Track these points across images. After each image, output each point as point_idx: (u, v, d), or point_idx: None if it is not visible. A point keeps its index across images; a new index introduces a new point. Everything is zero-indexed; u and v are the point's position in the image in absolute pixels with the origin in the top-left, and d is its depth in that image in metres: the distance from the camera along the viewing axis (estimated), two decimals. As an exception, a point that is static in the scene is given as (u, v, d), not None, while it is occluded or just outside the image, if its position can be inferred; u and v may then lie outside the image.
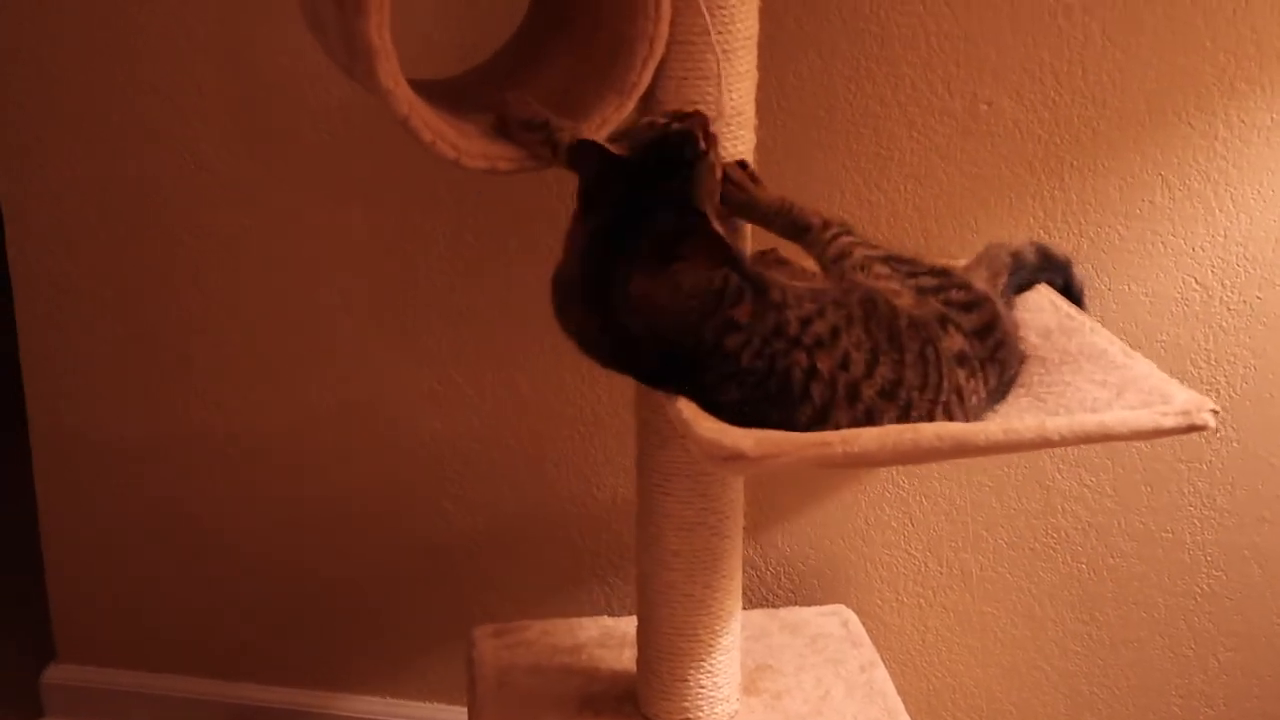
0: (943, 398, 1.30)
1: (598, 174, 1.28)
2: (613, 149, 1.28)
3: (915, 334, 1.31)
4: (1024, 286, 1.58)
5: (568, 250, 1.34)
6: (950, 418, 1.30)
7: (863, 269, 1.38)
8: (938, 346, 1.32)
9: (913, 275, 1.40)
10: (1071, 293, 1.62)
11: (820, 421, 1.25)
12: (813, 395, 1.25)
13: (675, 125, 1.30)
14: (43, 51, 1.84)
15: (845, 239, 1.41)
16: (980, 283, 1.47)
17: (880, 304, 1.32)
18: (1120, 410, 1.27)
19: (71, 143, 1.89)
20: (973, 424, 1.27)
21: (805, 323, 1.26)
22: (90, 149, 1.88)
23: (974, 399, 1.33)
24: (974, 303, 1.40)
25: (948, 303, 1.38)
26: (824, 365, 1.25)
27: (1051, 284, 1.61)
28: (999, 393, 1.38)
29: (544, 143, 1.38)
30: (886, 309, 1.32)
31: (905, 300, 1.35)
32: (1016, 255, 1.58)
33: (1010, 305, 1.51)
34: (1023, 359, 1.43)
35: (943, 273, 1.43)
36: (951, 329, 1.35)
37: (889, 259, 1.41)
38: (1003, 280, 1.53)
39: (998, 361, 1.38)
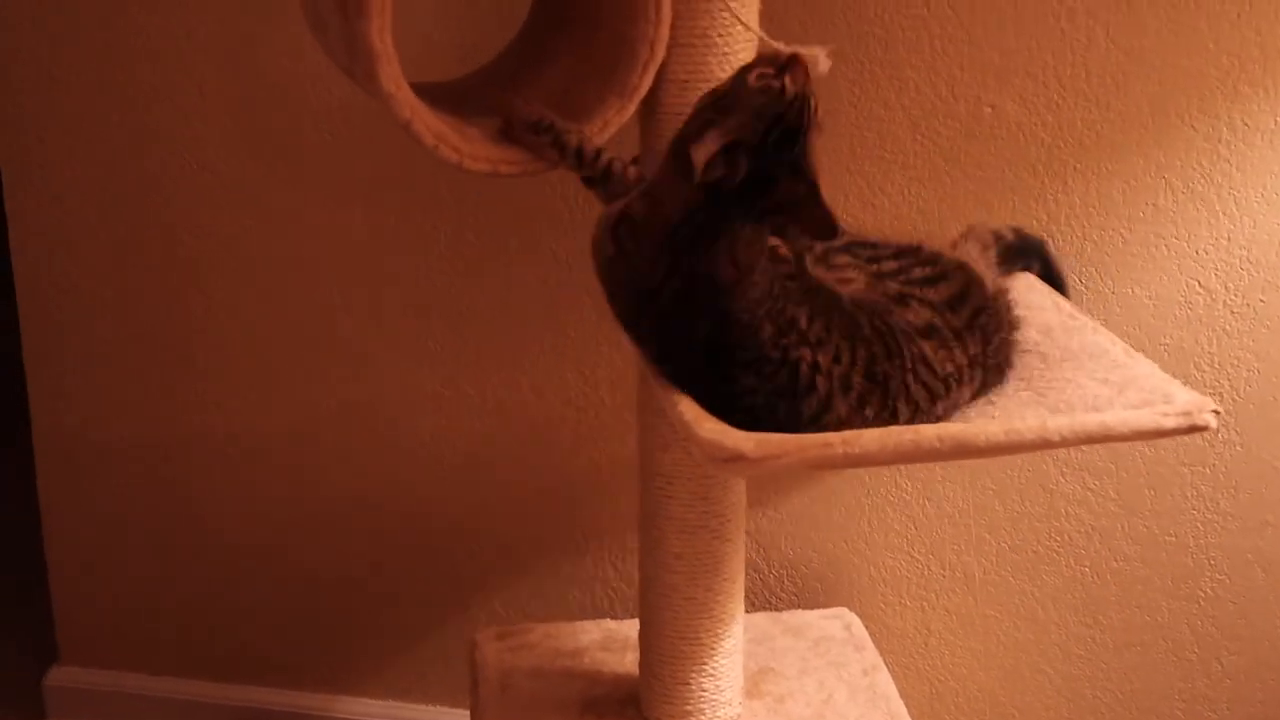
0: (909, 365, 1.29)
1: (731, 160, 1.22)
2: (740, 129, 1.21)
3: (863, 311, 1.31)
4: (1003, 270, 1.58)
5: (655, 197, 1.29)
6: (925, 387, 1.30)
7: (823, 261, 1.37)
8: (887, 319, 1.31)
9: (874, 260, 1.39)
10: (1051, 278, 1.62)
11: (824, 411, 1.25)
12: (818, 388, 1.25)
13: (790, 89, 1.22)
14: (44, 52, 1.85)
15: None
16: (962, 255, 1.46)
17: (826, 293, 1.32)
18: (1121, 410, 1.27)
19: (73, 143, 1.89)
20: (973, 424, 1.26)
21: (810, 320, 1.26)
22: (92, 150, 1.88)
23: (948, 366, 1.32)
24: (942, 275, 1.39)
25: (908, 282, 1.37)
26: (824, 360, 1.25)
27: (1028, 269, 1.60)
28: (989, 361, 1.37)
29: (551, 144, 1.38)
30: (831, 295, 1.32)
31: (855, 287, 1.35)
32: (996, 232, 1.57)
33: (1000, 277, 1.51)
34: (1014, 324, 1.42)
35: (909, 252, 1.42)
36: (914, 304, 1.34)
37: (851, 247, 1.40)
38: (991, 253, 1.53)
39: (978, 328, 1.37)
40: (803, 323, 1.26)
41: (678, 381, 1.29)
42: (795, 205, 1.23)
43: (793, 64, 1.22)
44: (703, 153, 1.19)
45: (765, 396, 1.25)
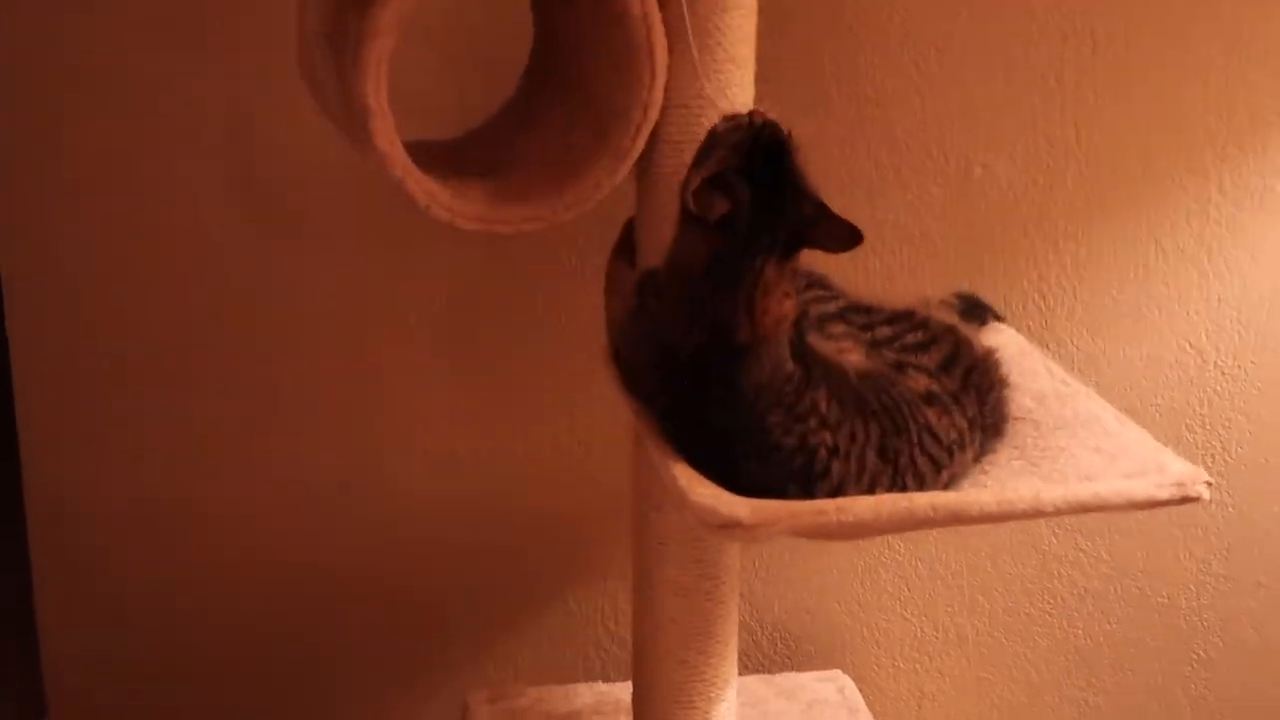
0: (915, 438, 1.29)
1: (725, 189, 1.24)
2: (720, 162, 1.25)
3: (869, 385, 1.31)
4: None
5: (676, 254, 1.29)
6: (931, 458, 1.29)
7: (819, 328, 1.37)
8: (891, 393, 1.31)
9: (868, 328, 1.39)
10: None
11: (836, 496, 1.24)
12: (832, 474, 1.24)
13: (756, 120, 1.27)
14: (40, 116, 1.83)
15: (803, 295, 1.40)
16: (942, 316, 1.47)
17: (835, 369, 1.31)
18: (1115, 480, 1.27)
19: (68, 208, 1.88)
20: (966, 494, 1.26)
21: (829, 402, 1.26)
22: (88, 214, 1.87)
23: (952, 434, 1.32)
24: (933, 339, 1.39)
25: (903, 348, 1.37)
26: (843, 443, 1.25)
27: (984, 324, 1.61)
28: (985, 421, 1.37)
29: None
30: (839, 370, 1.31)
31: (854, 357, 1.35)
32: (944, 302, 1.58)
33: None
34: (1004, 381, 1.42)
35: (902, 317, 1.42)
36: (911, 371, 1.34)
37: (844, 313, 1.40)
38: (956, 318, 1.53)
39: (973, 387, 1.37)
40: (823, 406, 1.25)
41: (680, 443, 1.28)
42: (810, 225, 1.24)
43: (754, 112, 1.28)
44: (689, 189, 1.22)
45: (773, 481, 1.24)
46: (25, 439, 1.99)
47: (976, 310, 1.60)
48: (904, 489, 1.27)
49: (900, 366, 1.34)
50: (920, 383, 1.33)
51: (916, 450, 1.29)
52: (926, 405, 1.31)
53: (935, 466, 1.30)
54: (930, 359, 1.36)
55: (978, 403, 1.37)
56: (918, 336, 1.39)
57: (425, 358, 1.89)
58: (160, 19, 1.73)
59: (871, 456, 1.26)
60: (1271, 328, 1.82)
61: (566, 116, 1.50)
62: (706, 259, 1.24)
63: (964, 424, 1.33)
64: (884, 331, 1.39)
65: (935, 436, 1.30)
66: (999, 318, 1.63)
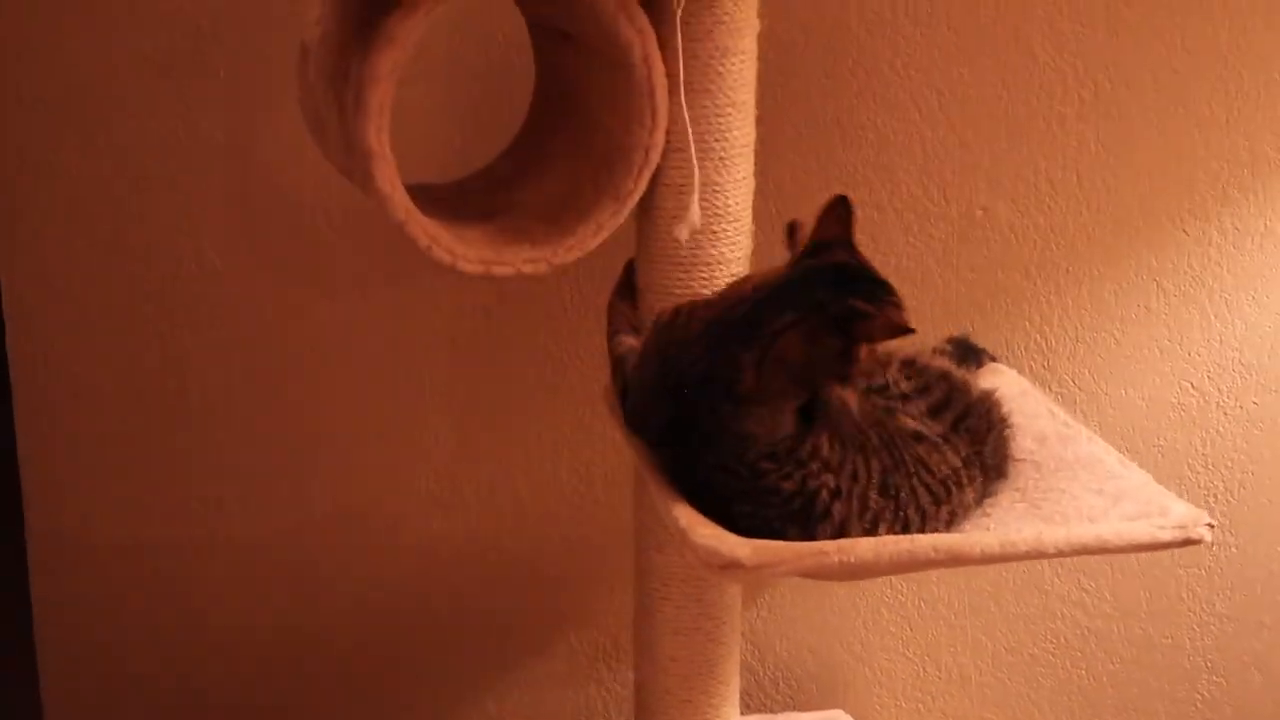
0: (912, 469, 1.30)
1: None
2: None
3: (869, 419, 1.32)
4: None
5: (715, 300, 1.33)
6: (929, 490, 1.30)
7: None
8: (886, 427, 1.32)
9: (866, 375, 1.40)
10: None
11: (837, 538, 1.24)
12: (834, 515, 1.25)
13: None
14: (41, 148, 1.85)
15: None
16: (938, 361, 1.47)
17: (834, 404, 1.31)
18: (1117, 522, 1.27)
19: (71, 241, 1.88)
20: (968, 535, 1.26)
21: (830, 444, 1.26)
22: (90, 246, 1.88)
23: (944, 469, 1.32)
24: (926, 386, 1.40)
25: (890, 397, 1.38)
26: (845, 484, 1.25)
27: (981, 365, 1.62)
28: (986, 461, 1.38)
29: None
30: (840, 405, 1.32)
31: (849, 398, 1.35)
32: (938, 349, 1.59)
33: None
34: (1004, 421, 1.43)
35: (900, 366, 1.43)
36: (899, 416, 1.35)
37: None
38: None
39: (965, 430, 1.37)
40: (825, 450, 1.26)
41: (678, 482, 1.29)
42: (857, 321, 1.26)
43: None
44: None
45: (771, 523, 1.24)
46: (26, 469, 1.99)
47: (970, 354, 1.61)
48: (906, 523, 1.27)
49: (889, 411, 1.35)
50: (908, 424, 1.34)
51: (915, 481, 1.29)
52: (916, 442, 1.32)
53: (934, 500, 1.30)
54: (916, 407, 1.37)
55: (971, 443, 1.37)
56: (911, 385, 1.40)
57: (427, 394, 1.89)
58: (163, 49, 1.74)
59: (874, 495, 1.26)
60: (1273, 368, 1.82)
61: (568, 159, 1.50)
62: (747, 304, 1.27)
63: (957, 462, 1.34)
64: (879, 381, 1.40)
65: (929, 469, 1.31)
66: (993, 359, 1.64)
